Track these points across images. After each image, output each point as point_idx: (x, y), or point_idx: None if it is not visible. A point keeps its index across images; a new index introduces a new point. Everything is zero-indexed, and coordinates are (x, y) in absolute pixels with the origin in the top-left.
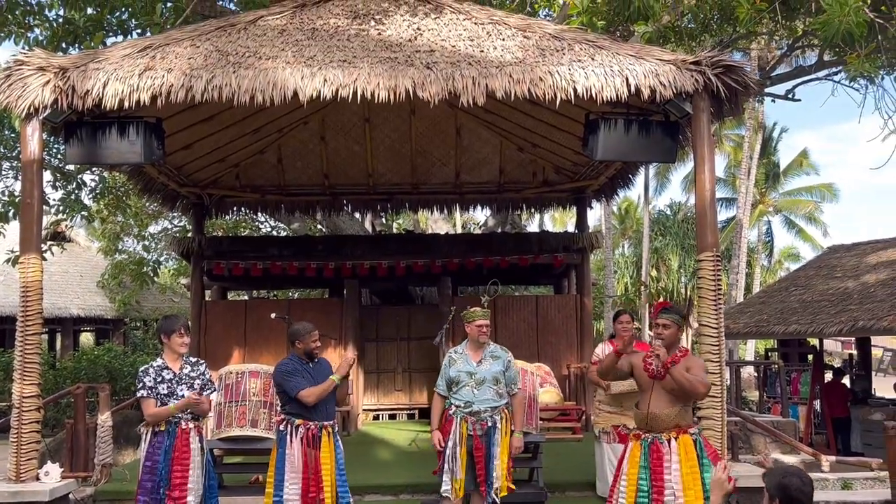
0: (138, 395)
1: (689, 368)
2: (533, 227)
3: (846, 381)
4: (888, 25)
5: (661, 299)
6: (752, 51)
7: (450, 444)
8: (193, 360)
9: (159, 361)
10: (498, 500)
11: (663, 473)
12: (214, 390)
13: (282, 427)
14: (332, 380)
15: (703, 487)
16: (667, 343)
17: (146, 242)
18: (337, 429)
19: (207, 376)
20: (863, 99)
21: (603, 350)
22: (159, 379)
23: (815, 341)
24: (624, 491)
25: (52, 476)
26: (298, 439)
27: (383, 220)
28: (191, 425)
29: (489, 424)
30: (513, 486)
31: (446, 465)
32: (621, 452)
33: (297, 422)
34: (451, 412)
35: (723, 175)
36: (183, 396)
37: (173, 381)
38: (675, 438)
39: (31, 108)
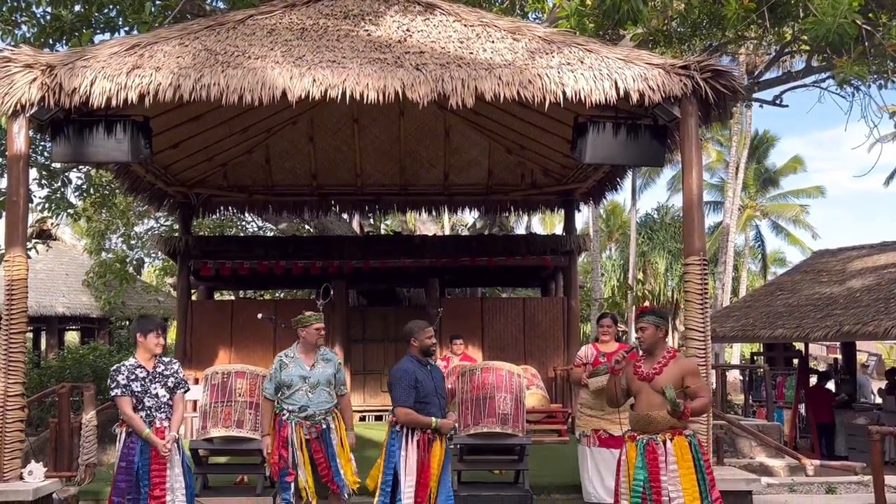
0: (112, 393)
1: (687, 381)
2: (521, 229)
3: (831, 385)
4: (875, 32)
5: (647, 303)
6: (740, 55)
7: (291, 451)
8: (167, 359)
9: (132, 360)
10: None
11: (660, 474)
12: (188, 389)
13: (397, 427)
14: (431, 421)
15: (699, 488)
16: (646, 345)
17: (132, 241)
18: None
19: (180, 375)
20: (849, 106)
21: (586, 352)
22: (132, 377)
23: (800, 345)
24: (626, 493)
25: (36, 475)
26: (415, 442)
27: (371, 220)
28: (165, 424)
29: (323, 427)
30: (358, 479)
31: (298, 473)
32: (618, 456)
33: None
34: (283, 417)
35: (712, 179)
36: (157, 395)
37: (146, 380)
38: (671, 440)
39: (18, 106)
